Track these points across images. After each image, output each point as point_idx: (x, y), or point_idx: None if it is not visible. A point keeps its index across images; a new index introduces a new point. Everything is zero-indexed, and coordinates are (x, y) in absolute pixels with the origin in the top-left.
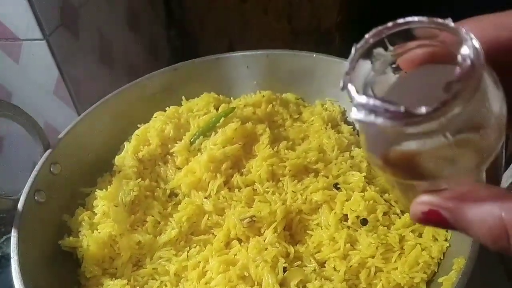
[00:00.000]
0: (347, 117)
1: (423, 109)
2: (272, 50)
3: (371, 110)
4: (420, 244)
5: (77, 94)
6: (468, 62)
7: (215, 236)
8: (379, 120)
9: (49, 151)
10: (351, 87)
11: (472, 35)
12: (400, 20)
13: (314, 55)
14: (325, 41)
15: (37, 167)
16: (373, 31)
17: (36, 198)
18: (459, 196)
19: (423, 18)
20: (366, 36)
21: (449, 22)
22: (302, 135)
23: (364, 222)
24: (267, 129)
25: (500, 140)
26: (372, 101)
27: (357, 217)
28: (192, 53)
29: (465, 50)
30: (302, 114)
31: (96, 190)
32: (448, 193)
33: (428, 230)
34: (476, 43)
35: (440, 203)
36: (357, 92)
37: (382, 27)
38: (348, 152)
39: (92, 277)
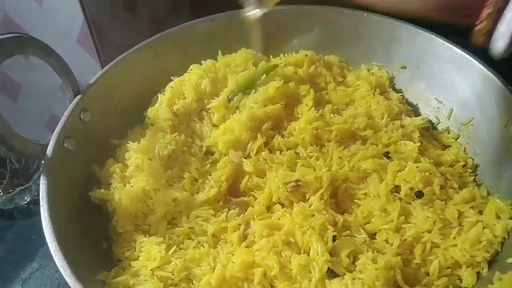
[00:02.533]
0: (395, 84)
1: None
2: (318, 6)
3: None
4: (481, 221)
5: (102, 44)
6: None
7: (256, 198)
8: None
9: (79, 96)
10: None
11: None
12: None
13: (365, 14)
14: None
15: (66, 112)
16: None
17: (65, 145)
18: None
19: None
20: None
21: None
22: (346, 100)
23: (419, 194)
24: (311, 90)
25: None
26: None
27: (411, 189)
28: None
29: None
30: (346, 78)
31: (128, 142)
32: None
33: (491, 208)
34: None
35: None
36: None
37: None
38: (399, 121)
39: (124, 232)
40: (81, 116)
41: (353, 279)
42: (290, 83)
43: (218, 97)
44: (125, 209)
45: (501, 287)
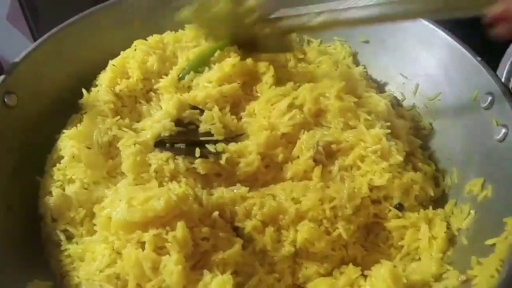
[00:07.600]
0: (358, 60)
1: None
2: None
3: None
4: None
5: (35, 20)
6: None
7: None
8: None
9: (2, 77)
10: None
11: None
12: None
13: None
14: None
15: None
16: None
17: None
18: None
19: None
20: None
21: None
22: (308, 77)
23: None
24: (271, 67)
25: None
26: None
27: None
28: None
29: None
30: (307, 54)
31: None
32: None
33: None
34: None
35: None
36: None
37: None
38: None
39: None
40: (5, 100)
41: None
42: (247, 59)
43: (167, 76)
44: None
45: (482, 272)
